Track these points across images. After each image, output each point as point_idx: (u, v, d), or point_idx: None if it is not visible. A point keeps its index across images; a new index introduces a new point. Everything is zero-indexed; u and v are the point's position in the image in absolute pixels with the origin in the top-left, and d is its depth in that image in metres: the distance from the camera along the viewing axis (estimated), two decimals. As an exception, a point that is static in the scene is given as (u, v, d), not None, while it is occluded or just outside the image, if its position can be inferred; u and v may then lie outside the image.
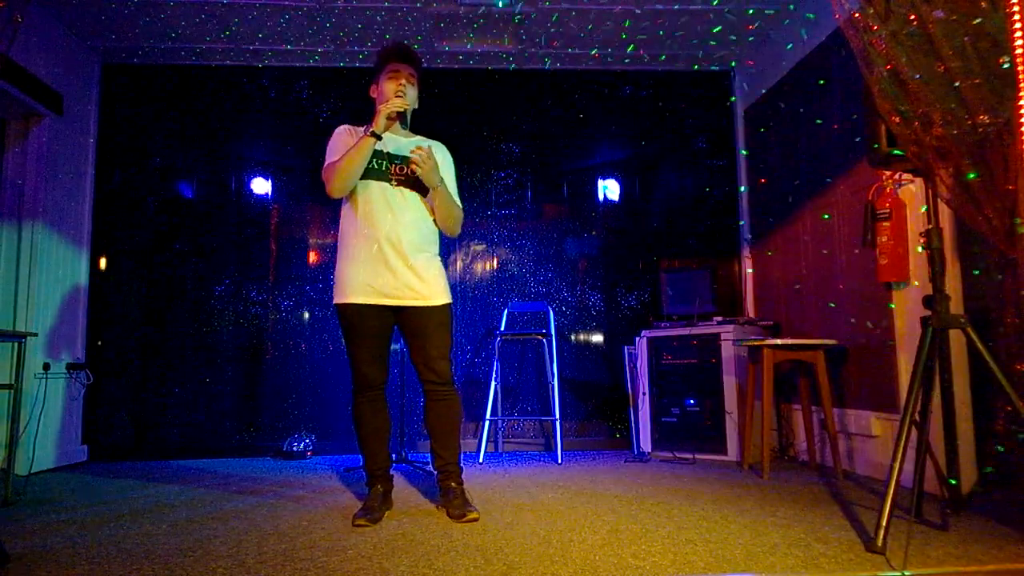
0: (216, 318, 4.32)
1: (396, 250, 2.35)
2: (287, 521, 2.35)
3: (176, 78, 4.46)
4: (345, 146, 2.41)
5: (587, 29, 4.12)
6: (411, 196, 2.42)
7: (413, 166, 2.33)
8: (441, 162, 2.49)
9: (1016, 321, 2.13)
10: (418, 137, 2.57)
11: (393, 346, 2.57)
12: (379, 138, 2.34)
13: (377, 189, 2.39)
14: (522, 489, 2.96)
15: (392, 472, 2.56)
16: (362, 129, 2.40)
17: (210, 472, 3.55)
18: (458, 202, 2.52)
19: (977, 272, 2.68)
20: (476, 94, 4.61)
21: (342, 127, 2.53)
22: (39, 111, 3.76)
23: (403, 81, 2.44)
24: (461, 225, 2.56)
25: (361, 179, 2.40)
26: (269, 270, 4.41)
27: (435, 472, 2.48)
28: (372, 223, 2.37)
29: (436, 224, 2.50)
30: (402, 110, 2.36)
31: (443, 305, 2.42)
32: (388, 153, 2.44)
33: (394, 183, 2.41)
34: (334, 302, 2.42)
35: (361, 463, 2.55)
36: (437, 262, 2.49)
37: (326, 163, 2.46)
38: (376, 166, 2.41)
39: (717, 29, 4.11)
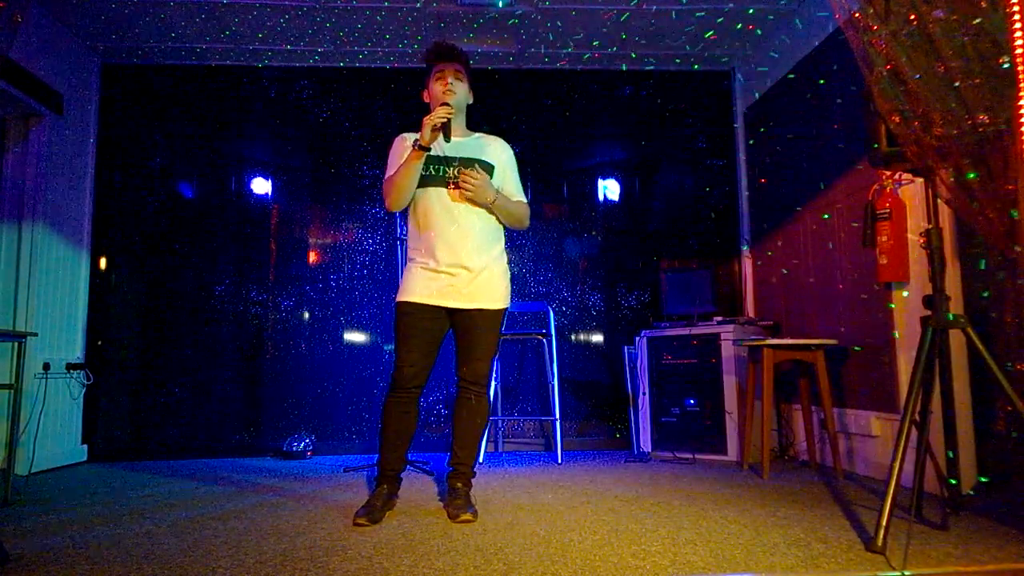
0: (216, 318, 4.32)
1: (457, 256, 2.37)
2: (287, 521, 2.35)
3: (176, 78, 4.46)
4: (400, 158, 2.42)
5: (587, 29, 4.12)
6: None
7: (463, 189, 2.36)
8: (503, 161, 2.51)
9: (1016, 321, 2.13)
10: (476, 134, 2.57)
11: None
12: (427, 150, 2.34)
13: (435, 195, 2.40)
14: (522, 489, 2.96)
15: (401, 476, 2.53)
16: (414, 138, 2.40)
17: (210, 472, 3.55)
18: (521, 197, 2.54)
19: (983, 265, 2.68)
20: (476, 94, 4.60)
21: (399, 136, 2.53)
22: (39, 111, 3.75)
23: (449, 80, 2.43)
24: (529, 218, 2.58)
25: (420, 186, 2.41)
26: (269, 270, 4.41)
27: (447, 467, 2.51)
28: (431, 229, 2.38)
29: (500, 222, 2.51)
30: (446, 119, 2.31)
31: (499, 309, 2.46)
32: (445, 157, 2.43)
33: (452, 187, 2.41)
34: (396, 299, 2.44)
35: (373, 460, 2.55)
36: (500, 264, 2.50)
37: (385, 177, 2.48)
38: (434, 172, 2.41)
39: (709, 34, 4.11)
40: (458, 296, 2.38)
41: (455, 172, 2.41)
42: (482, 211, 2.44)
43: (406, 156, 2.37)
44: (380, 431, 2.45)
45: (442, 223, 2.38)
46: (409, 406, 2.43)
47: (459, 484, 2.45)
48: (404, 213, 2.53)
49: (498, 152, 2.54)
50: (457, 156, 2.44)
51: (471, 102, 2.57)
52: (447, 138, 2.38)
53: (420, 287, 2.38)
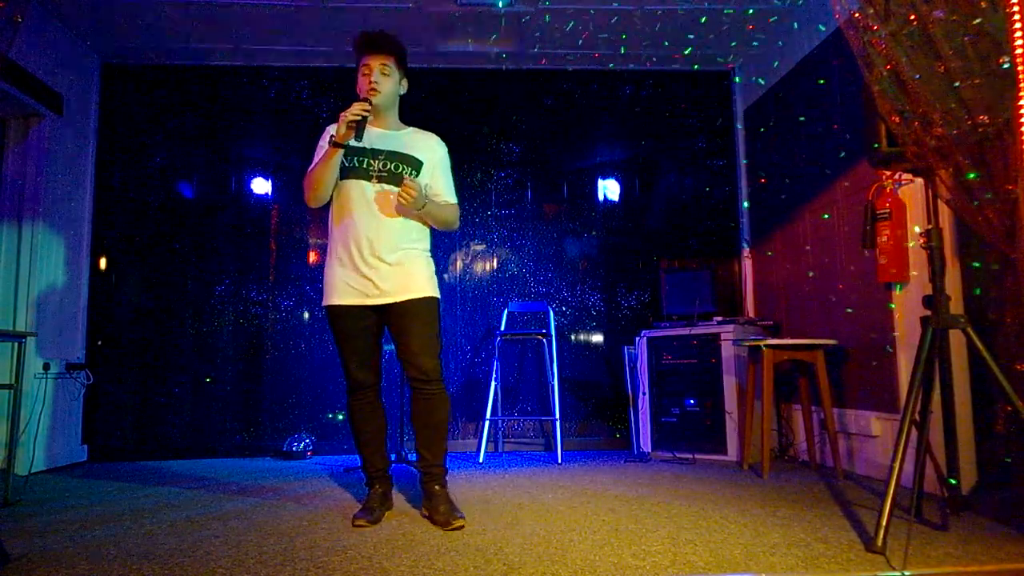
0: (216, 318, 4.32)
1: (376, 250, 2.28)
2: (287, 521, 2.35)
3: (176, 78, 4.46)
4: (322, 151, 2.34)
5: (587, 29, 4.12)
6: (394, 192, 2.31)
7: (400, 197, 2.25)
8: (434, 159, 2.42)
9: (1016, 321, 2.12)
10: (410, 128, 2.47)
11: (387, 346, 2.55)
12: (342, 147, 2.24)
13: (356, 188, 2.32)
14: (522, 489, 2.95)
15: (391, 472, 2.55)
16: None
17: (210, 472, 3.55)
18: (450, 198, 2.44)
19: (978, 264, 2.68)
20: (476, 94, 4.61)
21: (327, 129, 2.41)
22: (39, 111, 3.76)
23: (373, 77, 2.32)
24: (458, 220, 2.50)
25: (342, 178, 2.33)
26: (269, 270, 4.41)
27: (418, 472, 2.40)
28: (351, 224, 2.30)
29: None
30: (360, 117, 2.19)
31: (425, 298, 2.32)
32: (371, 148, 2.34)
33: (374, 180, 2.32)
34: (323, 303, 2.39)
35: (359, 463, 2.54)
36: (421, 256, 2.39)
37: (308, 169, 2.38)
38: (357, 164, 2.33)
39: (706, 31, 4.11)
40: (379, 292, 2.29)
41: (380, 165, 2.32)
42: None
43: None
44: (355, 437, 2.43)
45: (362, 216, 2.29)
46: (370, 405, 2.41)
47: (436, 487, 2.34)
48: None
49: (429, 148, 2.44)
50: (383, 149, 2.35)
51: (404, 92, 2.46)
52: (358, 137, 2.22)
53: (341, 288, 2.31)
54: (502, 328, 4.26)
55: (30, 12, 3.62)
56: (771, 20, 4.00)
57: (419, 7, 3.86)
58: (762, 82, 4.33)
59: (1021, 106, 1.86)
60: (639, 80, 4.68)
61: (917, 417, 2.02)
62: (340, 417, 4.32)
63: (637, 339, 4.18)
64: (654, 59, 4.51)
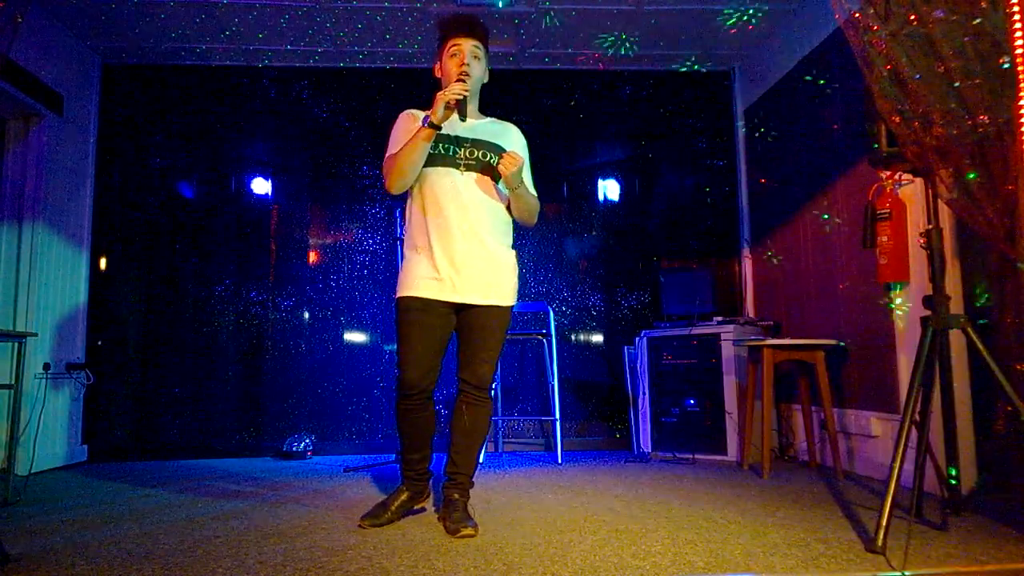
0: (216, 318, 4.32)
1: (467, 243, 2.16)
2: (287, 521, 2.34)
3: (176, 78, 4.45)
4: (406, 135, 2.20)
5: (587, 29, 4.12)
6: (482, 182, 2.23)
7: (500, 167, 2.16)
8: (518, 150, 2.30)
9: (1016, 321, 2.13)
10: (489, 118, 2.38)
11: (389, 346, 2.54)
12: (438, 129, 2.13)
13: (445, 176, 2.20)
14: (522, 489, 2.95)
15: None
16: (424, 115, 2.19)
17: (210, 472, 3.55)
18: (534, 192, 2.34)
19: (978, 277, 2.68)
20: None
21: (405, 112, 2.32)
22: (39, 111, 3.75)
23: (467, 59, 2.22)
24: (538, 215, 2.37)
25: (426, 166, 2.20)
26: (269, 270, 4.41)
27: (443, 476, 2.29)
28: (439, 213, 2.17)
29: (511, 213, 2.32)
30: (462, 97, 2.10)
31: (508, 307, 2.27)
32: (456, 136, 2.23)
33: (463, 169, 2.21)
34: (396, 295, 2.24)
35: (370, 461, 2.48)
36: (511, 257, 2.30)
37: (386, 155, 2.26)
38: (443, 151, 2.21)
39: (706, 31, 4.11)
40: (467, 291, 2.17)
41: (467, 153, 2.22)
42: (493, 198, 2.25)
43: (413, 133, 2.16)
44: (400, 439, 2.31)
45: (451, 208, 2.16)
46: (422, 410, 2.25)
47: (456, 495, 2.23)
48: (402, 207, 2.35)
49: (514, 140, 2.36)
50: (470, 137, 2.25)
51: (486, 82, 2.36)
52: (463, 117, 2.16)
53: (424, 281, 2.17)
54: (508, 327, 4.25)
55: (30, 12, 3.62)
56: (770, 16, 4.00)
57: (420, 7, 3.85)
58: (762, 82, 4.33)
59: (1021, 106, 1.86)
60: (639, 80, 4.68)
61: (917, 417, 2.02)
62: (340, 417, 4.32)
63: (637, 339, 4.18)
64: (654, 59, 4.51)
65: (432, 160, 2.20)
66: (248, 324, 4.34)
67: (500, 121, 2.41)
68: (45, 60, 3.77)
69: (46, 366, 3.69)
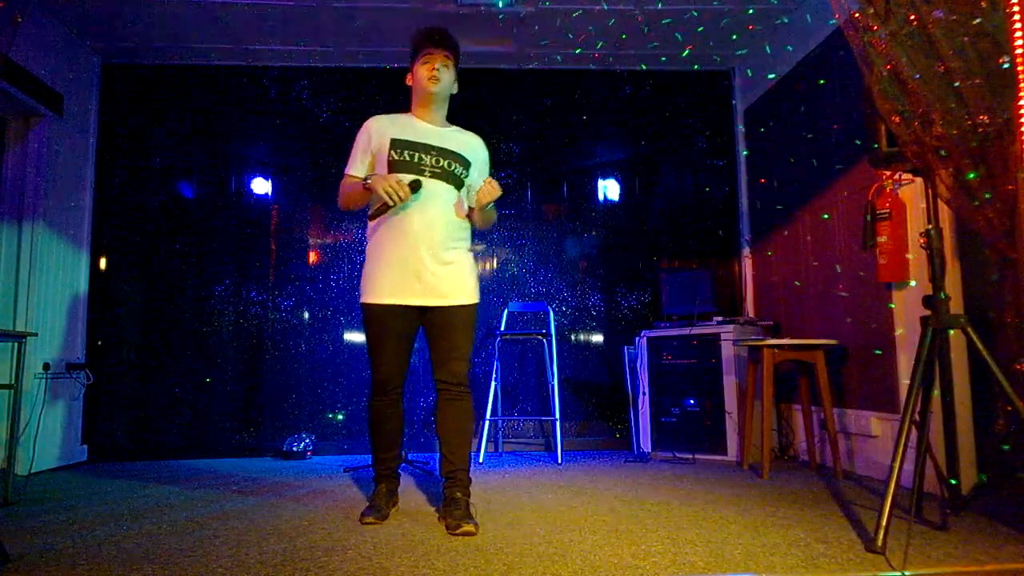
0: (216, 318, 4.32)
1: (427, 249, 2.26)
2: (287, 521, 2.35)
3: (176, 78, 4.46)
4: (363, 153, 2.39)
5: (587, 29, 4.12)
6: (445, 190, 2.33)
7: (480, 196, 2.28)
8: (481, 161, 2.47)
9: (1016, 321, 2.12)
10: (454, 127, 2.49)
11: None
12: (370, 191, 2.29)
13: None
14: (522, 489, 2.95)
15: (399, 472, 2.55)
16: (401, 117, 2.41)
17: (210, 472, 3.55)
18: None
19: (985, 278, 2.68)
20: (476, 94, 4.61)
21: (369, 121, 2.43)
22: (39, 111, 3.76)
23: (437, 65, 2.34)
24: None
25: (392, 172, 2.30)
26: (269, 270, 4.41)
27: (442, 478, 2.35)
28: (402, 220, 2.27)
29: (469, 219, 2.45)
30: (394, 204, 2.22)
31: (470, 305, 2.35)
32: (424, 144, 2.33)
33: (428, 176, 2.30)
34: (361, 301, 2.34)
35: (370, 461, 2.52)
36: (469, 258, 2.40)
37: (345, 168, 2.43)
38: (409, 158, 2.30)
39: (706, 31, 4.11)
40: (428, 294, 2.28)
41: (433, 161, 2.32)
42: (452, 204, 2.34)
43: (373, 144, 2.36)
44: (371, 436, 2.42)
45: (413, 215, 2.27)
46: (393, 408, 2.38)
47: (458, 494, 2.26)
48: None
49: (477, 149, 2.48)
50: (437, 145, 2.35)
51: (455, 92, 2.48)
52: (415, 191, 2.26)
53: (387, 286, 2.27)
54: (502, 328, 4.26)
55: (30, 12, 3.62)
56: (770, 16, 4.00)
57: (420, 7, 3.85)
58: (762, 82, 4.33)
59: (1021, 106, 1.86)
60: (639, 80, 4.68)
61: (917, 417, 2.02)
62: (340, 417, 4.32)
63: (637, 339, 4.18)
64: (654, 59, 4.51)
65: (397, 167, 2.30)
66: (248, 324, 4.34)
67: (465, 131, 2.52)
68: (45, 60, 3.77)
69: (46, 366, 3.69)
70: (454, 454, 2.31)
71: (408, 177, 2.24)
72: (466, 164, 2.40)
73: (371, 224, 2.38)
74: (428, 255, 2.27)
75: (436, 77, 2.33)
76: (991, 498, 2.51)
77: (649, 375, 4.06)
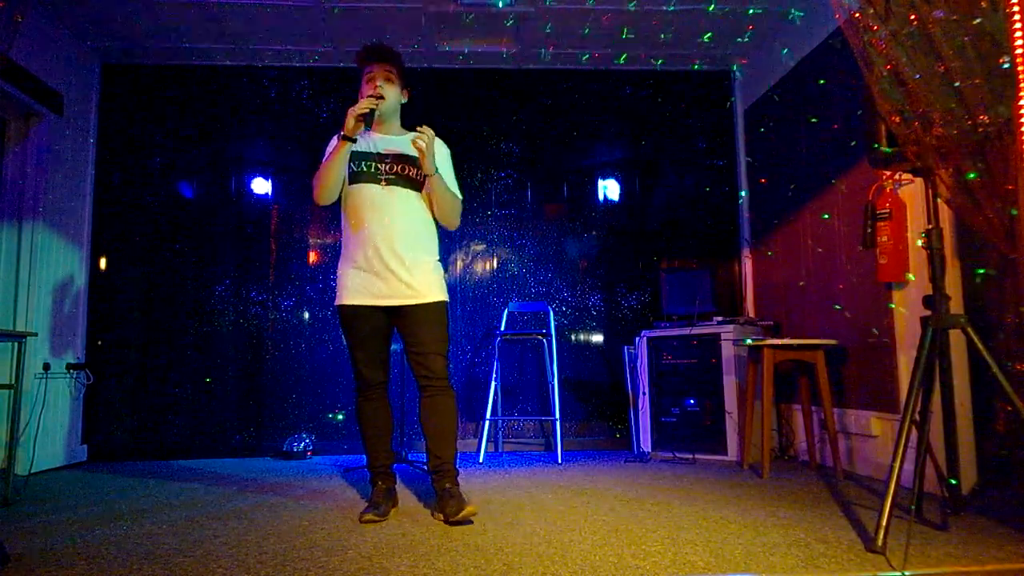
0: (216, 318, 4.32)
1: (389, 252, 2.34)
2: (287, 521, 2.35)
3: (176, 78, 4.45)
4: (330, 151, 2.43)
5: (587, 29, 4.12)
6: (403, 195, 2.41)
7: (416, 143, 2.33)
8: (439, 158, 2.46)
9: (1016, 321, 2.13)
10: (411, 133, 2.50)
11: (393, 346, 2.57)
12: (352, 141, 2.33)
13: (367, 192, 2.39)
14: (522, 489, 2.95)
15: (394, 470, 2.57)
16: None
17: (210, 472, 3.55)
18: (457, 192, 2.49)
19: (981, 272, 2.68)
20: (476, 94, 4.61)
21: (334, 137, 2.50)
22: (39, 111, 3.76)
23: (379, 82, 2.42)
24: (460, 216, 2.53)
25: (352, 183, 2.42)
26: (269, 270, 4.41)
27: (430, 473, 2.40)
28: (363, 226, 2.37)
29: (434, 219, 2.49)
30: (367, 110, 2.30)
31: (436, 302, 2.40)
32: (378, 153, 2.44)
33: (383, 183, 2.40)
34: (335, 303, 2.46)
35: (365, 461, 2.56)
36: (432, 260, 2.46)
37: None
38: (365, 168, 2.41)
39: (708, 36, 4.11)
40: (396, 294, 2.36)
41: (388, 168, 2.40)
42: (415, 207, 2.42)
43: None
44: (361, 433, 2.49)
45: (373, 220, 2.36)
46: (378, 403, 2.48)
47: (448, 485, 2.33)
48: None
49: (433, 148, 2.48)
50: (391, 152, 2.44)
51: (404, 102, 2.57)
52: (369, 125, 2.39)
53: (354, 289, 2.37)
54: (502, 328, 4.26)
55: (31, 12, 3.62)
56: (770, 16, 4.00)
57: (420, 7, 3.85)
58: (762, 82, 4.33)
59: (1021, 106, 1.86)
60: (639, 80, 4.68)
61: (917, 417, 2.02)
62: (340, 417, 4.32)
63: (637, 339, 4.18)
64: (654, 59, 4.51)
65: (356, 177, 2.42)
66: (248, 324, 4.34)
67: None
68: (45, 60, 3.77)
69: (46, 366, 3.69)
70: (439, 448, 2.38)
71: (366, 102, 2.32)
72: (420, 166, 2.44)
73: (343, 226, 2.49)
74: (391, 257, 2.35)
75: (380, 92, 2.40)
76: (991, 498, 2.51)
77: (649, 375, 4.06)
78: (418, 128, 2.34)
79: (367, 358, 2.43)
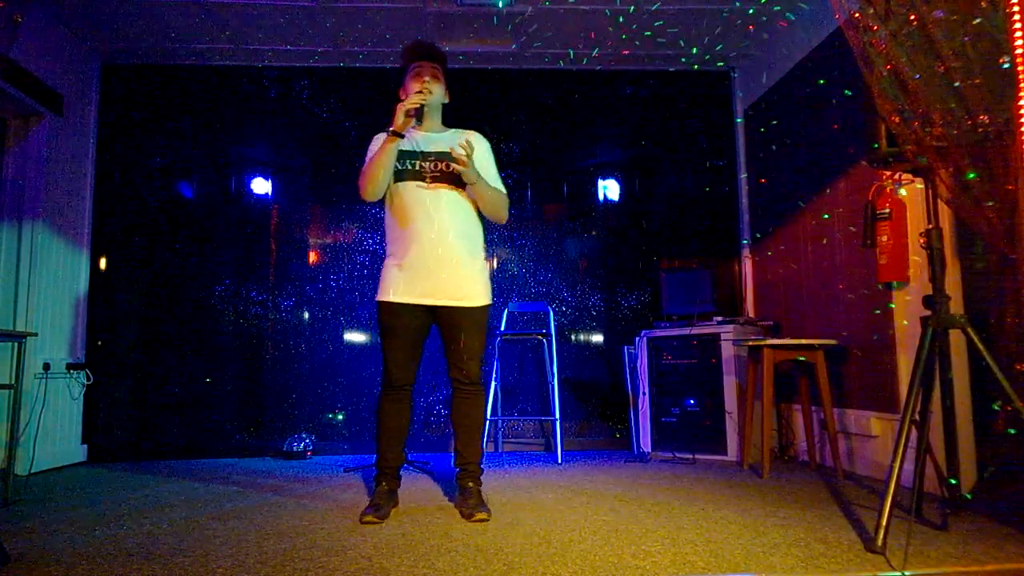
0: (216, 318, 4.32)
1: (435, 251, 2.36)
2: (287, 521, 2.35)
3: (176, 78, 4.45)
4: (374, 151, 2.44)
5: (587, 29, 4.12)
6: (448, 193, 2.41)
7: (454, 164, 2.32)
8: (480, 153, 2.47)
9: (1016, 321, 2.12)
10: (452, 130, 2.57)
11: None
12: (401, 136, 2.33)
13: (412, 190, 2.40)
14: (522, 489, 2.95)
15: (400, 473, 2.58)
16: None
17: (210, 472, 3.55)
18: (501, 188, 2.51)
19: (981, 265, 2.68)
20: (476, 94, 4.61)
21: (377, 136, 2.50)
22: (39, 111, 3.75)
23: (426, 77, 2.44)
24: (507, 210, 2.54)
25: (397, 181, 2.42)
26: (269, 270, 4.41)
27: (455, 468, 2.52)
28: (409, 225, 2.38)
29: (480, 217, 2.51)
30: (419, 105, 2.33)
31: (482, 307, 2.45)
32: (422, 152, 2.44)
33: (429, 181, 2.40)
34: (376, 298, 2.45)
35: (370, 461, 2.57)
36: (479, 260, 2.49)
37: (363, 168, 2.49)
38: (410, 166, 2.42)
39: (706, 31, 4.11)
40: (438, 293, 2.38)
41: (432, 166, 2.41)
42: (461, 204, 2.43)
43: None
44: (377, 430, 2.49)
45: (419, 218, 2.37)
46: (402, 403, 2.48)
47: (470, 483, 2.46)
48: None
49: (477, 144, 2.50)
50: (434, 151, 2.44)
51: (447, 102, 2.59)
52: (419, 120, 2.40)
53: (399, 285, 2.38)
54: (502, 328, 4.26)
55: (30, 12, 3.62)
56: (770, 16, 3.99)
57: (420, 7, 3.85)
58: (762, 82, 4.33)
59: (1021, 106, 1.86)
60: (639, 80, 4.68)
61: (917, 417, 2.02)
62: (340, 417, 4.32)
63: (637, 339, 4.18)
64: (654, 59, 4.51)
65: (401, 175, 2.42)
66: (248, 324, 4.34)
67: (464, 131, 2.59)
68: (45, 60, 3.77)
69: (46, 366, 3.69)
70: (466, 447, 2.48)
71: (416, 98, 2.33)
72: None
73: (387, 224, 2.50)
74: (438, 256, 2.36)
75: (427, 88, 2.41)
76: (991, 498, 2.51)
77: (649, 375, 4.06)
78: (460, 144, 2.29)
79: (400, 358, 2.43)
